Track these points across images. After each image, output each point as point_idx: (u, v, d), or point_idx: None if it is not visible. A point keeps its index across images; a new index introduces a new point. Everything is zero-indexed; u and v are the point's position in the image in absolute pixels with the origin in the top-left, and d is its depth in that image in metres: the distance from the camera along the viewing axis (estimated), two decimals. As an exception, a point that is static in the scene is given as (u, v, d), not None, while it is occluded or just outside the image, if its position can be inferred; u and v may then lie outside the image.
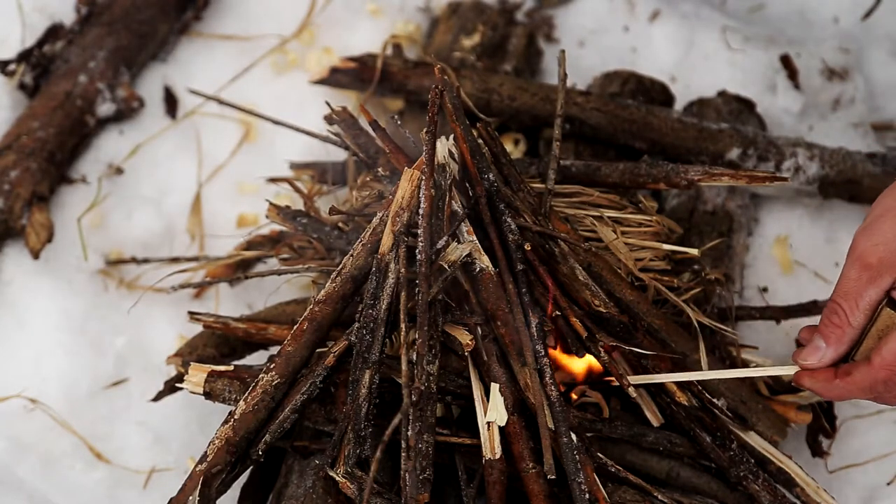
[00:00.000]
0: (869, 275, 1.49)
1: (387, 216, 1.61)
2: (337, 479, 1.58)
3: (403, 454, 1.52)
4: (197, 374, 1.67)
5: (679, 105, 2.18)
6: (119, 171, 2.18)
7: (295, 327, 1.64)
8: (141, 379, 1.99)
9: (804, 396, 1.79)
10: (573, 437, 1.57)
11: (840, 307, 1.51)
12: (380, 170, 1.77)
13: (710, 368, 1.69)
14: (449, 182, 1.64)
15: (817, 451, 1.85)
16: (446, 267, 1.59)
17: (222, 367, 1.68)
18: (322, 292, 1.64)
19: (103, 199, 2.14)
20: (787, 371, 1.59)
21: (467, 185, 1.68)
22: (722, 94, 2.16)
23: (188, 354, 1.82)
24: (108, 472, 1.92)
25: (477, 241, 1.63)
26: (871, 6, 2.32)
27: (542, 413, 1.57)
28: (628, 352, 1.65)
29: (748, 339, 1.91)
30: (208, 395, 1.67)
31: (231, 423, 1.60)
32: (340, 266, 1.64)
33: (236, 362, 1.81)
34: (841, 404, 1.91)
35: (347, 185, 1.99)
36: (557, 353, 1.68)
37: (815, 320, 1.59)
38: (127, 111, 2.21)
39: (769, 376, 1.76)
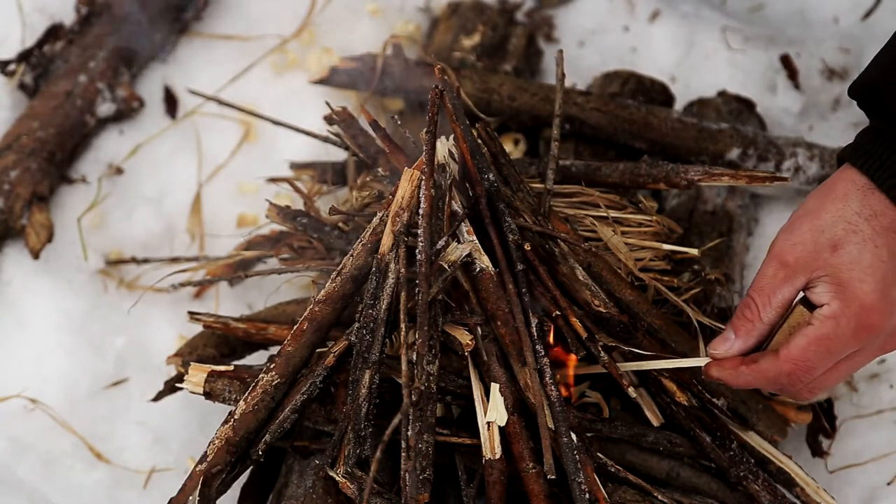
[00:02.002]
0: (785, 273, 1.51)
1: (387, 216, 1.61)
2: (337, 479, 1.58)
3: (403, 454, 1.52)
4: (197, 374, 1.67)
5: (679, 105, 2.18)
6: (119, 171, 2.18)
7: (295, 327, 1.64)
8: (141, 379, 1.99)
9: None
10: (573, 437, 1.57)
11: (753, 301, 1.54)
12: (380, 170, 1.77)
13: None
14: (449, 182, 1.64)
15: (817, 451, 1.85)
16: (446, 267, 1.59)
17: (222, 367, 1.68)
18: (322, 292, 1.64)
19: (103, 199, 2.14)
20: (702, 362, 1.60)
21: (467, 185, 1.68)
22: (722, 94, 2.16)
23: (188, 354, 1.82)
24: (108, 472, 1.92)
25: (477, 241, 1.63)
26: (871, 6, 2.32)
27: (543, 413, 1.57)
28: (628, 352, 1.65)
29: (748, 339, 1.91)
30: (208, 395, 1.67)
31: (231, 423, 1.60)
32: (340, 266, 1.64)
33: (236, 362, 1.81)
34: (841, 404, 1.91)
35: (347, 185, 1.99)
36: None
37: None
38: (127, 111, 2.21)
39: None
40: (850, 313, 1.48)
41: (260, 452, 1.62)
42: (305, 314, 1.64)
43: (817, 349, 1.50)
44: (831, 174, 2.01)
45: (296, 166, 2.07)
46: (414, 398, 1.52)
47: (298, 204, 2.01)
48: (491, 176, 1.68)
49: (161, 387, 1.86)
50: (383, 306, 1.59)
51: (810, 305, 1.51)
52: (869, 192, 1.50)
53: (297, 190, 1.96)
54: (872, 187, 1.50)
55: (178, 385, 1.70)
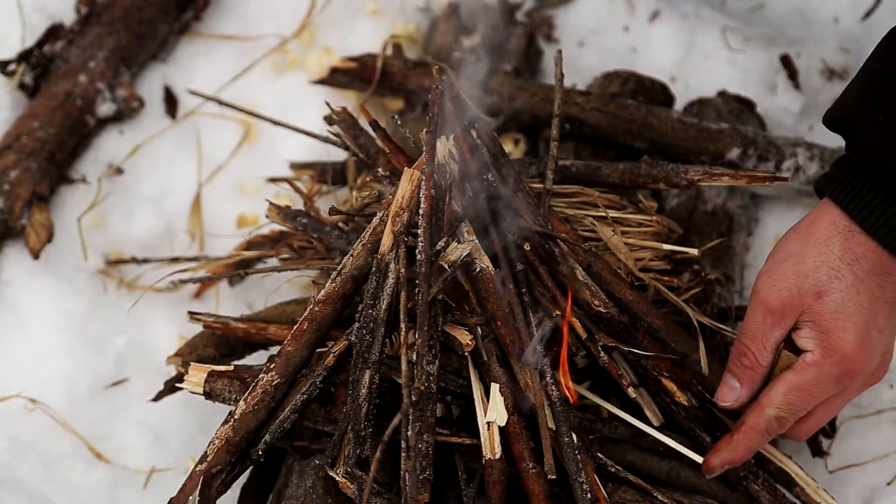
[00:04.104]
0: (773, 318, 1.56)
1: (387, 216, 1.61)
2: (337, 479, 1.58)
3: (403, 454, 1.52)
4: (197, 374, 1.67)
5: (679, 105, 2.18)
6: (119, 171, 2.18)
7: (295, 327, 1.64)
8: (141, 379, 1.99)
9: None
10: (574, 437, 1.57)
11: (748, 349, 1.58)
12: (380, 170, 1.77)
13: (710, 368, 1.69)
14: (449, 182, 1.64)
15: (817, 451, 1.85)
16: (446, 267, 1.59)
17: (222, 367, 1.68)
18: (322, 292, 1.64)
19: (103, 199, 2.14)
20: (697, 458, 1.66)
21: (467, 185, 1.68)
22: (722, 94, 2.16)
23: (188, 354, 1.82)
24: (108, 472, 1.92)
25: (477, 241, 1.63)
26: (871, 6, 2.32)
27: (543, 413, 1.57)
28: (628, 352, 1.65)
29: (748, 339, 1.91)
30: (208, 395, 1.67)
31: (231, 423, 1.60)
32: (340, 266, 1.64)
33: (236, 362, 1.81)
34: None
35: (347, 185, 1.99)
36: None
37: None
38: (127, 111, 2.21)
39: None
40: (832, 362, 1.54)
41: (260, 452, 1.62)
42: (305, 314, 1.64)
43: (799, 394, 1.56)
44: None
45: (296, 166, 2.07)
46: (414, 398, 1.52)
47: (298, 204, 2.01)
48: (491, 176, 1.68)
49: (161, 387, 1.86)
50: (383, 306, 1.59)
51: (795, 349, 1.56)
52: (850, 235, 1.52)
53: (297, 190, 1.96)
54: (853, 230, 1.52)
55: (178, 385, 1.70)
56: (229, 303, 2.07)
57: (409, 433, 1.53)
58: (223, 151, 2.22)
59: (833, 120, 1.57)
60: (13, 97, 2.19)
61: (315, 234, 1.84)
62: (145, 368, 2.00)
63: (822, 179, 1.56)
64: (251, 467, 1.67)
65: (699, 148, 2.03)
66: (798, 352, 1.56)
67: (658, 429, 1.69)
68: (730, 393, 1.62)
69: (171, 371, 1.90)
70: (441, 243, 1.59)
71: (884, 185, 1.49)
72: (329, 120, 1.86)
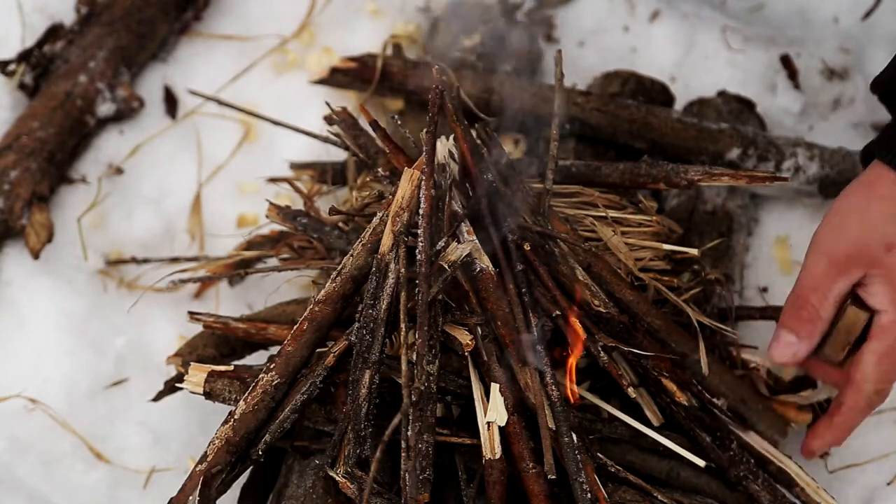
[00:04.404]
0: (838, 269, 1.53)
1: (387, 216, 1.61)
2: (337, 479, 1.58)
3: (403, 454, 1.52)
4: (197, 374, 1.67)
5: (679, 105, 2.18)
6: (119, 171, 2.18)
7: (295, 327, 1.64)
8: (141, 379, 1.99)
9: (804, 396, 1.79)
10: (574, 437, 1.57)
11: (808, 301, 1.55)
12: (380, 170, 1.77)
13: (710, 368, 1.69)
14: (449, 182, 1.64)
15: (817, 451, 1.86)
16: (446, 267, 1.59)
17: (222, 367, 1.68)
18: (322, 292, 1.64)
19: (103, 199, 2.14)
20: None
21: (467, 185, 1.68)
22: (722, 94, 2.16)
23: (188, 354, 1.82)
24: (108, 472, 1.92)
25: (477, 241, 1.63)
26: (871, 6, 2.32)
27: (543, 413, 1.57)
28: (628, 352, 1.65)
29: (748, 339, 1.91)
30: (208, 395, 1.67)
31: (231, 423, 1.60)
32: (340, 266, 1.64)
33: (236, 362, 1.81)
34: (841, 404, 1.91)
35: (347, 185, 1.99)
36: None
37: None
38: (127, 111, 2.21)
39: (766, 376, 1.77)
40: None
41: (260, 452, 1.62)
42: (305, 314, 1.64)
43: (890, 360, 1.54)
44: (831, 174, 2.03)
45: (296, 166, 2.07)
46: (414, 398, 1.52)
47: (298, 204, 2.01)
48: (491, 176, 1.68)
49: (161, 387, 1.86)
50: (383, 306, 1.59)
51: (862, 305, 1.53)
52: None
53: (297, 190, 1.96)
54: None
55: (178, 385, 1.70)
56: (229, 303, 2.07)
57: (409, 433, 1.53)
58: (223, 151, 2.22)
59: (882, 84, 1.56)
60: (13, 97, 2.19)
61: (315, 234, 1.84)
62: (145, 368, 2.00)
63: (873, 143, 1.54)
64: (251, 467, 1.67)
65: (699, 148, 2.03)
66: (866, 308, 1.53)
67: (658, 429, 1.69)
68: (787, 349, 1.58)
69: (171, 371, 1.90)
70: (441, 243, 1.59)
71: None
72: (329, 120, 1.86)
